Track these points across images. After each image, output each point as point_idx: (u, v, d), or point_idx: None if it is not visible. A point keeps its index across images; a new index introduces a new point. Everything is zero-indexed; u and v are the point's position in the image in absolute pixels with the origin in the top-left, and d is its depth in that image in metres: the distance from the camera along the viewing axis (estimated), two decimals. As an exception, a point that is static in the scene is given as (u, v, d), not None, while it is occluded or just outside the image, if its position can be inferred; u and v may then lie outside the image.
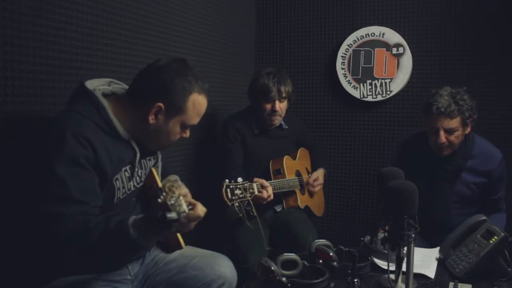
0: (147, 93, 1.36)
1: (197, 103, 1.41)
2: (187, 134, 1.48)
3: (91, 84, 1.36)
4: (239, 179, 1.87)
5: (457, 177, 2.03)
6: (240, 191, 1.85)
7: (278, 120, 2.36)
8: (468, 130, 1.99)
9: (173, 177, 1.57)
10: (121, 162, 1.37)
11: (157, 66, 1.38)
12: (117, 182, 1.36)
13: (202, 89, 1.42)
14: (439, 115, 1.90)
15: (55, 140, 1.22)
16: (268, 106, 2.28)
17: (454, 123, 1.90)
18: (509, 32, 2.63)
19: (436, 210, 2.06)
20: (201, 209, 1.20)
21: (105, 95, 1.38)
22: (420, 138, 2.13)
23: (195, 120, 1.44)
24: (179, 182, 1.42)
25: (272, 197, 2.03)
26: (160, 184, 1.48)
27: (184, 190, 1.38)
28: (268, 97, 2.26)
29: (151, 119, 1.36)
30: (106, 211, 1.30)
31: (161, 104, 1.35)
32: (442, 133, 1.92)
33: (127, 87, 1.50)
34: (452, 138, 1.93)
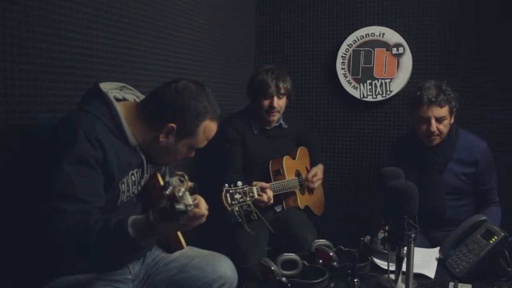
0: (162, 112, 1.38)
1: (208, 129, 1.45)
2: (192, 154, 1.50)
3: (104, 86, 1.38)
4: (239, 183, 1.86)
5: (445, 166, 2.11)
6: (240, 196, 1.84)
7: (276, 117, 2.33)
8: (453, 120, 2.11)
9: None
10: (129, 167, 1.39)
11: (176, 88, 1.39)
12: (123, 185, 1.37)
13: (215, 115, 1.46)
14: (430, 104, 2.01)
15: (66, 138, 1.23)
16: (266, 103, 2.26)
17: (444, 111, 2.02)
18: (509, 32, 2.62)
19: (430, 202, 2.11)
20: (204, 206, 1.21)
21: (116, 99, 1.39)
22: (407, 137, 2.31)
23: (202, 143, 1.48)
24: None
25: (272, 200, 2.02)
26: (163, 183, 1.49)
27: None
28: (266, 93, 2.24)
29: (162, 137, 1.39)
30: (108, 212, 1.30)
31: (173, 125, 1.37)
32: (433, 122, 2.02)
33: (139, 94, 1.53)
34: (441, 126, 2.04)
